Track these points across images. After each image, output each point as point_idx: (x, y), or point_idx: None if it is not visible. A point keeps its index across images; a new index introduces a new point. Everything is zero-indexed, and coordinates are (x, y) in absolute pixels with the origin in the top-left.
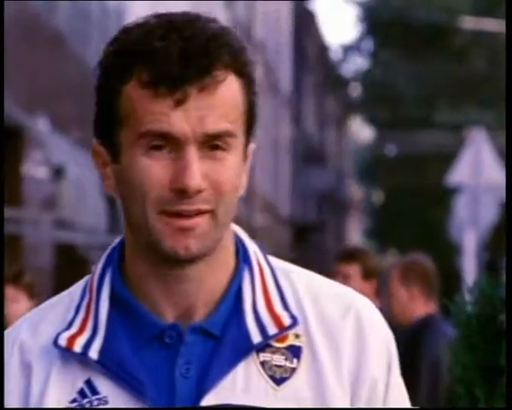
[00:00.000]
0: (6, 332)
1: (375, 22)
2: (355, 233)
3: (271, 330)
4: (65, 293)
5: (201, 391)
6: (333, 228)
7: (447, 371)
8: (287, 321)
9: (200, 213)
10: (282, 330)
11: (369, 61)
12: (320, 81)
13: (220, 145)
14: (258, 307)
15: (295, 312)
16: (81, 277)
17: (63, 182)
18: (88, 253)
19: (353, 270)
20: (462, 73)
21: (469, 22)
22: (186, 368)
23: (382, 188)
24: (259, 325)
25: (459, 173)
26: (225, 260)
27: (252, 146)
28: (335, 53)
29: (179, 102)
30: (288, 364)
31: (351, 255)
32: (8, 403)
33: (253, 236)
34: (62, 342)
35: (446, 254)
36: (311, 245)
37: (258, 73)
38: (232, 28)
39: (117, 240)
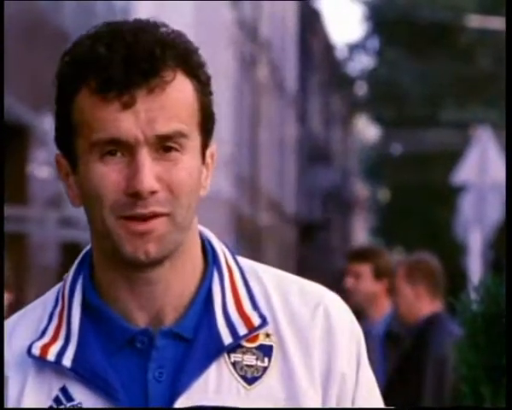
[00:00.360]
0: None
1: (381, 21)
2: (361, 232)
3: (242, 330)
4: (38, 301)
5: (174, 394)
6: (338, 227)
7: (453, 370)
8: (256, 321)
9: (155, 215)
10: (252, 330)
11: (375, 60)
12: (326, 80)
13: (173, 146)
14: (228, 308)
15: (265, 311)
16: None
17: None
18: None
19: (364, 270)
20: (468, 72)
21: (475, 21)
22: (159, 372)
23: (388, 186)
24: (230, 326)
25: (465, 172)
26: (191, 262)
27: (213, 147)
28: (341, 52)
29: (126, 105)
30: (259, 363)
31: (362, 255)
32: None
33: (258, 234)
34: (36, 351)
35: (452, 252)
36: (316, 244)
37: (264, 72)
38: (181, 32)
39: (87, 247)
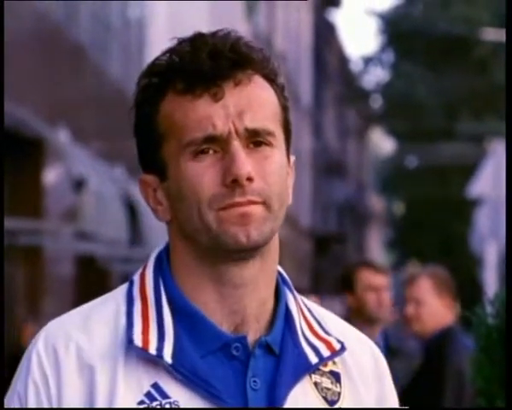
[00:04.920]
0: (46, 330)
1: (396, 34)
2: (376, 245)
3: (325, 352)
4: (101, 299)
5: (272, 404)
6: (354, 239)
7: (469, 383)
8: (337, 346)
9: (252, 203)
10: (334, 354)
11: (390, 73)
12: (341, 93)
13: (263, 141)
14: (304, 330)
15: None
16: (102, 288)
17: (84, 193)
18: (109, 264)
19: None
20: (484, 85)
21: (490, 34)
22: (253, 380)
23: (403, 199)
24: (312, 347)
25: (480, 185)
26: (274, 268)
27: (292, 158)
28: (356, 65)
29: (217, 97)
30: (334, 387)
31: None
32: (67, 403)
33: None
34: (138, 342)
35: (467, 265)
36: (331, 257)
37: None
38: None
39: (158, 250)
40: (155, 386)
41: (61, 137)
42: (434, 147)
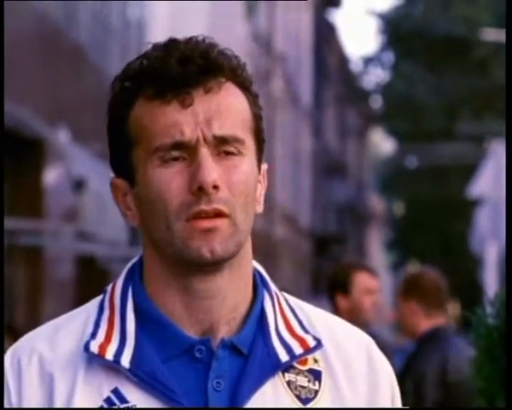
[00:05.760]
0: (16, 345)
1: (396, 34)
2: (376, 245)
3: (297, 350)
4: (77, 310)
5: (234, 405)
6: (353, 240)
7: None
8: (312, 342)
9: (219, 214)
10: (308, 351)
11: (390, 74)
12: (341, 93)
13: (231, 151)
14: (279, 329)
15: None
16: (102, 288)
17: (84, 194)
18: (109, 265)
19: None
20: (484, 85)
21: (490, 34)
22: (217, 382)
23: (403, 200)
24: (285, 345)
25: (480, 185)
26: (246, 277)
27: (264, 166)
28: (356, 65)
29: (185, 104)
30: (311, 385)
31: None
32: None
33: (273, 248)
34: (94, 348)
35: (468, 266)
36: (331, 257)
37: (279, 86)
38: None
39: (134, 259)
40: (115, 391)
41: (61, 137)
42: (434, 147)
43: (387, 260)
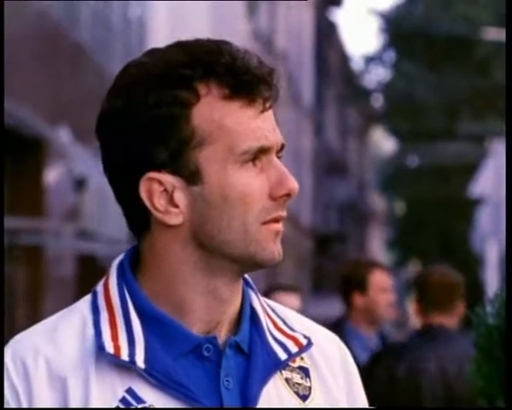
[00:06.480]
0: (13, 345)
1: (397, 33)
2: (377, 244)
3: (293, 348)
4: (65, 311)
5: (246, 403)
6: (355, 239)
7: (467, 384)
8: (303, 341)
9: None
10: (302, 349)
11: (391, 72)
12: (342, 92)
13: (280, 157)
14: (270, 328)
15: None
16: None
17: (85, 193)
18: (110, 264)
19: None
20: (485, 84)
21: (491, 33)
22: (226, 380)
23: (404, 199)
24: (280, 344)
25: (481, 184)
26: None
27: None
28: (357, 64)
29: (266, 107)
30: (304, 382)
31: None
32: None
33: None
34: (110, 349)
35: (469, 265)
36: (332, 256)
37: (280, 84)
38: None
39: (120, 257)
40: (130, 391)
41: (62, 136)
42: (435, 146)
43: (388, 259)
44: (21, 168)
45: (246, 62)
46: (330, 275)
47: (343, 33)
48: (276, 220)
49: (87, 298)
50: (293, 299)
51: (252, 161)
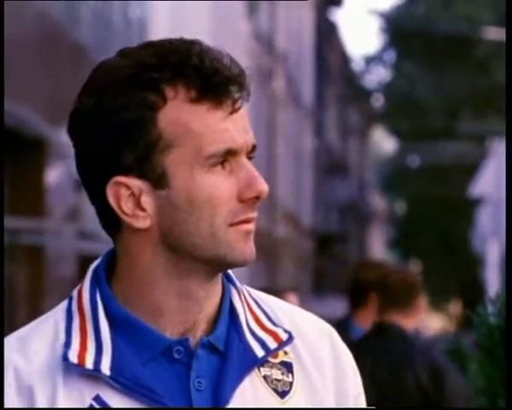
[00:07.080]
0: None
1: (398, 33)
2: (378, 244)
3: (271, 344)
4: (41, 319)
5: (217, 404)
6: (355, 239)
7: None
8: (284, 336)
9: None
10: (281, 344)
11: (392, 72)
12: (342, 92)
13: (251, 157)
14: (250, 324)
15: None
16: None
17: (86, 193)
18: None
19: None
20: (485, 84)
21: (492, 33)
22: (198, 381)
23: (405, 199)
24: (259, 341)
25: (482, 184)
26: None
27: None
28: (358, 64)
29: (236, 108)
30: (285, 378)
31: None
32: None
33: (275, 247)
34: (73, 359)
35: (469, 265)
36: (333, 256)
37: (281, 85)
38: None
39: (96, 262)
40: (97, 399)
41: (63, 136)
42: (436, 146)
43: (389, 259)
44: (22, 168)
45: (215, 63)
46: (331, 275)
47: (343, 33)
48: (245, 222)
49: (63, 304)
50: (292, 299)
51: (221, 163)
